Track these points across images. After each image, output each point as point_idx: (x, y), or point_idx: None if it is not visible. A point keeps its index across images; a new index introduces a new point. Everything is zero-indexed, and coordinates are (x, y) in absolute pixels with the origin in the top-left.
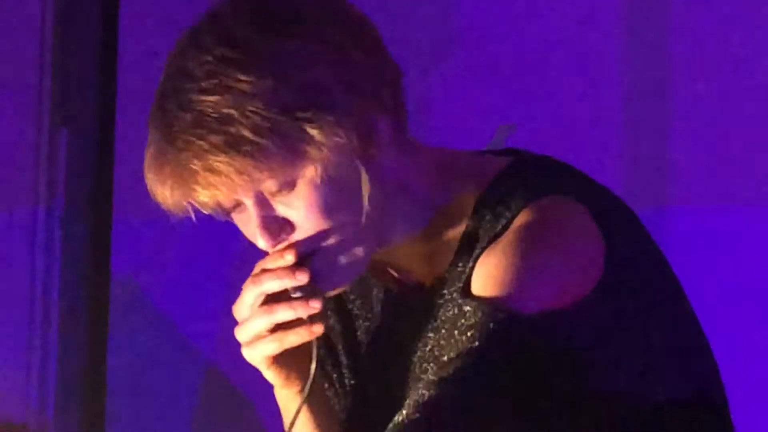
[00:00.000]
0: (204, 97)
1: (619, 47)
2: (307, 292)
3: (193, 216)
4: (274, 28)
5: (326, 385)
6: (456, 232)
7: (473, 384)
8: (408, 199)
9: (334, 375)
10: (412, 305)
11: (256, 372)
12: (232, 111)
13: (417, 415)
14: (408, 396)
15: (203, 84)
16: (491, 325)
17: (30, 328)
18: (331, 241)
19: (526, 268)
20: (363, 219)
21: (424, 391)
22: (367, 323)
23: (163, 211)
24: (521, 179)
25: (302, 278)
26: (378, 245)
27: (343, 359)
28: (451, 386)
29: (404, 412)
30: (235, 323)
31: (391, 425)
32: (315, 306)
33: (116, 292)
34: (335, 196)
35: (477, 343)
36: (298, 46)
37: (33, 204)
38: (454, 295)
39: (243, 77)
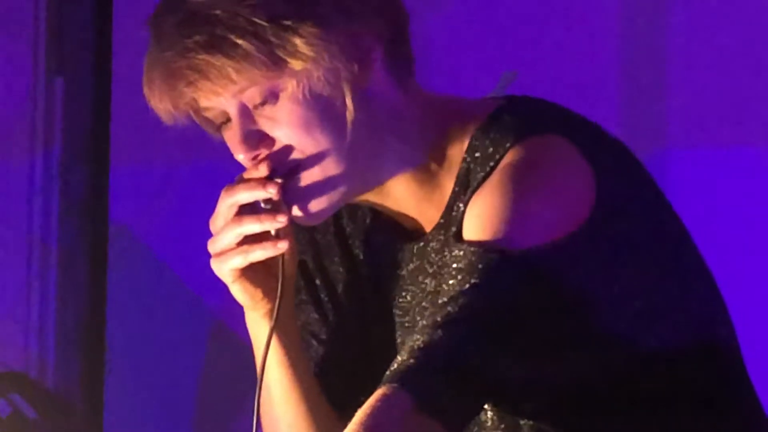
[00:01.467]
0: (193, 5)
1: None
2: (277, 207)
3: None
4: None
5: (316, 326)
6: (451, 174)
7: (465, 326)
8: (399, 137)
9: (312, 305)
10: (413, 253)
11: None
12: (218, 12)
13: (411, 360)
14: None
15: None
16: (480, 266)
17: (29, 276)
18: (309, 160)
19: (512, 206)
20: (346, 145)
21: (418, 336)
22: (369, 271)
23: (160, 157)
24: (511, 120)
25: (272, 191)
26: (365, 181)
27: (324, 297)
28: (444, 330)
29: (399, 358)
30: None
31: (388, 372)
32: (281, 220)
33: (114, 239)
34: (317, 115)
35: (467, 285)
36: None
37: (30, 153)
38: (450, 240)
39: None
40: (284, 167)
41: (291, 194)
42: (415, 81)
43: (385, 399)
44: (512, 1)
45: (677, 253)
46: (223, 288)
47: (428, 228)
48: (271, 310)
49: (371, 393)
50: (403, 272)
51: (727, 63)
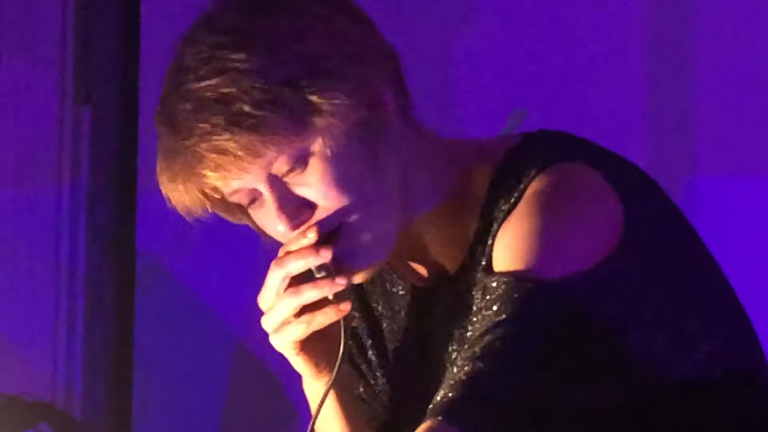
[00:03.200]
0: (201, 84)
1: (644, 15)
2: (332, 271)
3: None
4: (262, 10)
5: (359, 385)
6: (473, 212)
7: (506, 356)
8: (421, 177)
9: (363, 368)
10: (439, 298)
11: None
12: (230, 89)
13: (455, 393)
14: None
15: (200, 72)
16: (515, 295)
17: (56, 305)
18: (353, 216)
19: (543, 235)
20: (381, 193)
21: (458, 368)
22: (392, 324)
23: None
24: (532, 152)
25: (326, 255)
26: (402, 227)
27: (373, 358)
28: (484, 361)
29: (442, 391)
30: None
31: (430, 406)
32: (341, 283)
33: (142, 269)
34: (350, 168)
35: (504, 316)
36: (287, 22)
37: (57, 182)
38: (479, 276)
39: (236, 56)
40: (329, 227)
41: (341, 252)
42: (420, 122)
43: None
44: (537, 33)
45: (705, 280)
46: (248, 314)
47: (452, 269)
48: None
49: None
50: (429, 321)
51: (754, 88)
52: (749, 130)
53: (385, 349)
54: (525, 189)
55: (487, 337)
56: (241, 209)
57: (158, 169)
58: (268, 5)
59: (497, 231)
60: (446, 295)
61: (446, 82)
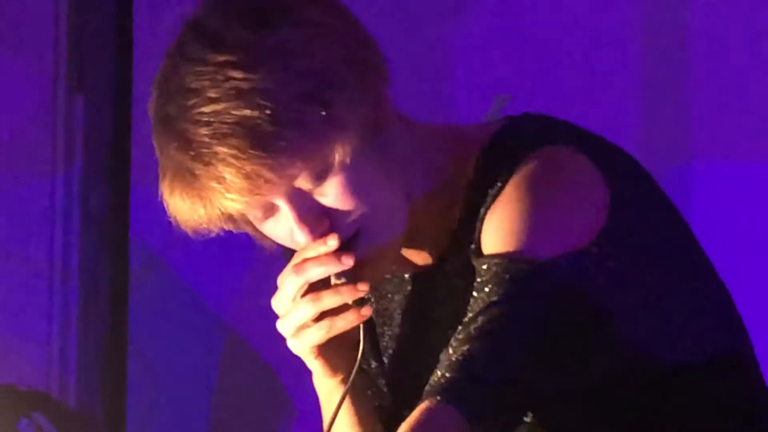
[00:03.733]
0: (215, 107)
1: (639, 2)
2: (351, 277)
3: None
4: (262, 22)
5: (371, 385)
6: (458, 198)
7: (502, 337)
8: (414, 169)
9: (363, 362)
10: (424, 282)
11: (278, 337)
12: (248, 112)
13: (452, 373)
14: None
15: (210, 94)
16: (508, 276)
17: (50, 295)
18: (370, 222)
19: (531, 216)
20: (393, 195)
21: (453, 351)
22: (379, 308)
23: None
24: (518, 136)
25: (348, 262)
26: (408, 222)
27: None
28: (481, 342)
29: (438, 372)
30: (257, 287)
31: (427, 387)
32: (363, 289)
33: (136, 257)
34: (366, 175)
35: (496, 297)
36: (292, 34)
37: (51, 171)
38: (470, 259)
39: (249, 76)
40: (348, 234)
41: (361, 258)
42: (405, 114)
43: (431, 414)
44: (531, 22)
45: (691, 263)
46: (242, 305)
47: (437, 254)
48: (347, 377)
49: None
50: (418, 303)
51: (747, 74)
52: (744, 118)
53: (375, 334)
54: (511, 173)
55: (481, 318)
56: (246, 220)
57: (167, 189)
58: (267, 15)
59: (485, 215)
60: (431, 280)
61: (438, 72)
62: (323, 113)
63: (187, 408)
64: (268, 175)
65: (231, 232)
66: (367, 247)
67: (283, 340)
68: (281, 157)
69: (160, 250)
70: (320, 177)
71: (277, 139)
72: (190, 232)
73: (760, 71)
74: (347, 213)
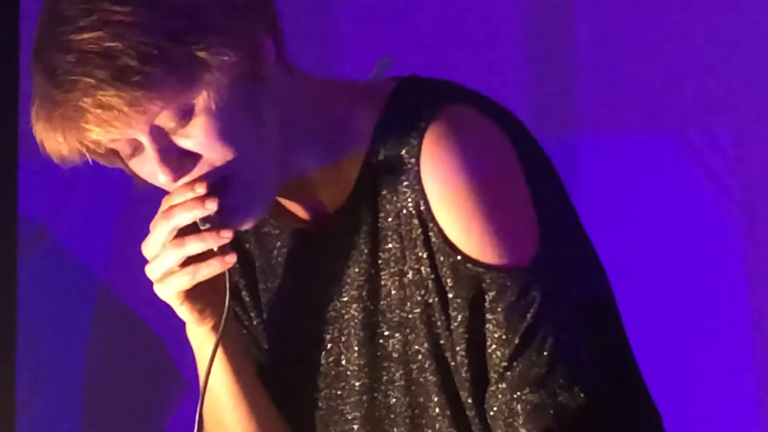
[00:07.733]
0: (84, 35)
1: None
2: (217, 223)
3: (90, 162)
4: None
5: (241, 329)
6: (357, 155)
7: (562, 349)
8: (301, 122)
9: (244, 317)
10: (316, 238)
11: (167, 309)
12: (115, 43)
13: (578, 395)
14: (328, 333)
15: (80, 23)
16: (516, 287)
17: None
18: (237, 169)
19: (498, 218)
20: (266, 144)
21: (537, 369)
22: (264, 264)
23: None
24: (417, 96)
25: (211, 207)
26: (287, 174)
27: (246, 297)
28: (558, 353)
29: (558, 399)
30: (145, 260)
31: (551, 412)
32: (226, 236)
33: (24, 233)
34: (234, 121)
35: (530, 317)
36: None
37: None
38: (388, 229)
39: (120, 8)
40: (214, 180)
41: (226, 205)
42: (296, 65)
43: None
44: None
45: (580, 226)
46: (130, 276)
47: (332, 210)
48: (217, 324)
49: (308, 393)
50: (305, 256)
51: (633, 50)
52: (628, 89)
53: (257, 289)
54: (423, 133)
55: (523, 328)
56: (117, 154)
57: (33, 115)
58: None
59: (417, 185)
60: (321, 237)
61: (326, 24)
62: (188, 53)
63: (74, 379)
64: (125, 108)
65: (116, 202)
66: (234, 195)
67: (171, 310)
68: (140, 92)
69: (48, 225)
70: (183, 117)
71: (137, 74)
72: (56, 160)
73: (647, 40)
74: (212, 158)
